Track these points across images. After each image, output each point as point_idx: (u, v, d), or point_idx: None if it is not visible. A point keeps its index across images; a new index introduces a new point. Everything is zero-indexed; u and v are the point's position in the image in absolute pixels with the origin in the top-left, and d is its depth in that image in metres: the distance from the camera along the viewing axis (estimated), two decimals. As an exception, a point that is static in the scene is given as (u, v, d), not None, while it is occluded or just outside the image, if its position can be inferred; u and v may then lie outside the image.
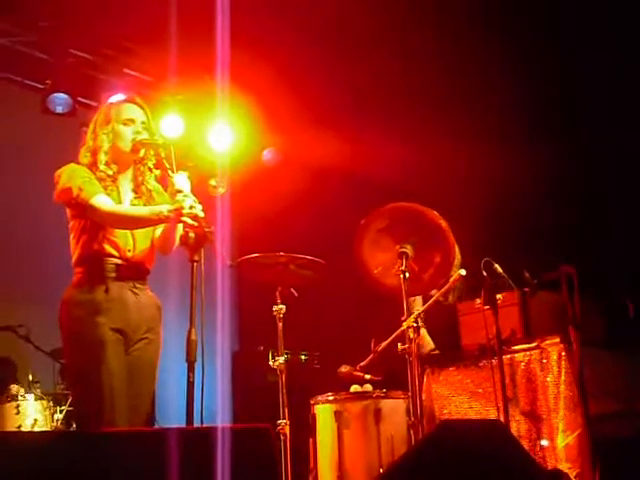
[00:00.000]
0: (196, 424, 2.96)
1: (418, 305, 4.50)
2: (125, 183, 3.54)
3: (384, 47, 5.75)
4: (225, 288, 3.23)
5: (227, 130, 6.58)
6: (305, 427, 4.60)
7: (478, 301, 4.38)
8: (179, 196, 3.25)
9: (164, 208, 3.30)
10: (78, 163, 3.48)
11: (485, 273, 4.12)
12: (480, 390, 4.33)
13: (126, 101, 3.63)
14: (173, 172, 3.36)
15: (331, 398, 4.54)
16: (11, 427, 4.87)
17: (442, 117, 5.86)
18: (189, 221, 3.20)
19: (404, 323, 4.04)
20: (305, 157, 6.56)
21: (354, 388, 4.76)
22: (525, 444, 4.00)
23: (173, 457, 2.15)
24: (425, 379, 4.42)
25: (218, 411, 3.04)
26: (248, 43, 5.30)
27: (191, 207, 3.21)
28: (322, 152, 6.28)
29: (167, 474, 2.14)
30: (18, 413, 4.94)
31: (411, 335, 4.01)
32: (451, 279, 4.19)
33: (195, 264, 3.16)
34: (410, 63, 5.78)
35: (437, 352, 4.72)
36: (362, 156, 6.04)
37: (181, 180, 3.34)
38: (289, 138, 6.79)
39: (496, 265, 4.13)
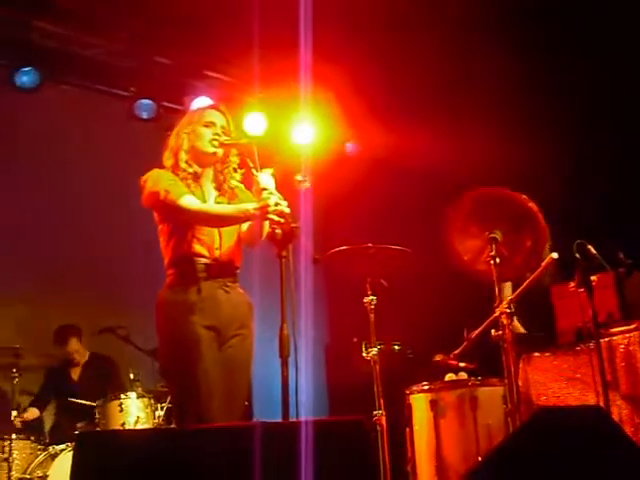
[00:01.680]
0: (292, 418, 2.99)
1: (509, 290, 4.42)
2: (207, 182, 3.60)
3: (459, 44, 5.71)
4: (309, 282, 3.26)
5: (310, 125, 6.61)
6: (401, 417, 4.60)
7: (572, 284, 4.28)
8: (264, 194, 3.28)
9: (250, 206, 3.35)
10: (163, 168, 3.57)
11: (578, 255, 4.02)
12: (578, 375, 4.23)
13: (210, 107, 3.73)
14: (257, 171, 3.40)
15: (426, 387, 4.53)
16: (115, 425, 5.02)
17: (516, 110, 5.79)
18: (275, 218, 3.23)
19: (497, 309, 3.99)
20: (386, 149, 6.54)
21: (449, 376, 4.73)
22: (627, 430, 3.88)
23: (265, 451, 2.18)
24: (520, 365, 4.34)
25: (309, 405, 3.06)
26: (328, 41, 5.31)
27: (276, 204, 3.24)
28: (403, 144, 6.26)
29: (265, 467, 2.18)
30: (122, 411, 5.08)
31: (504, 321, 3.96)
32: (543, 263, 4.10)
33: (283, 260, 3.19)
34: (481, 61, 5.75)
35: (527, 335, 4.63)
36: (442, 147, 5.99)
37: (266, 178, 3.37)
38: (371, 131, 6.77)
39: (589, 246, 4.02)
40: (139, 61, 6.08)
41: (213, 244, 3.47)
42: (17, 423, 5.30)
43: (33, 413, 5.66)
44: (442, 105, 6.25)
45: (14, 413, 5.07)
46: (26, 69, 5.77)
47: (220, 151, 3.53)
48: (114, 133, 6.51)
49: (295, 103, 6.35)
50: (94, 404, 5.21)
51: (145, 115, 6.26)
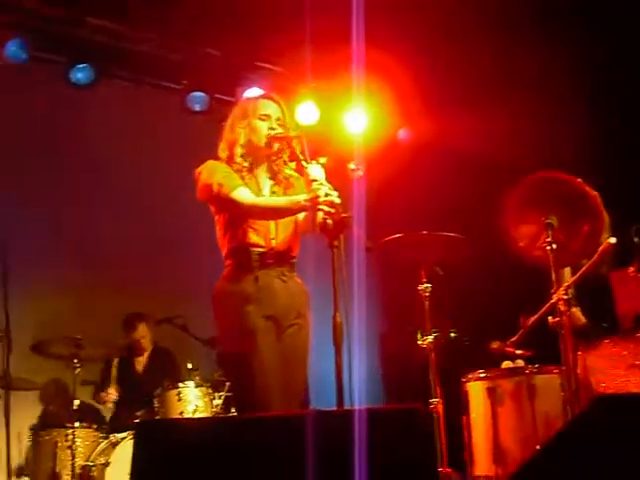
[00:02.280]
0: (347, 406, 3.00)
1: (567, 276, 4.36)
2: (262, 174, 3.62)
3: (508, 27, 5.63)
4: (363, 270, 3.25)
5: (362, 113, 6.59)
6: (457, 405, 4.58)
7: (632, 269, 4.19)
8: (314, 185, 3.29)
9: (301, 198, 3.36)
10: (217, 159, 3.60)
11: (637, 239, 3.94)
12: (638, 362, 4.15)
13: (263, 97, 3.73)
14: (307, 162, 3.41)
15: (483, 375, 4.49)
16: (174, 413, 5.09)
17: (572, 93, 5.69)
18: (326, 209, 3.23)
19: (554, 296, 3.94)
20: (439, 136, 6.49)
21: (506, 364, 4.69)
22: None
23: (320, 439, 2.19)
24: (579, 352, 4.28)
25: (364, 393, 3.06)
26: (380, 28, 5.28)
27: (327, 195, 3.24)
28: (455, 130, 6.20)
29: (321, 456, 2.19)
30: (180, 400, 5.15)
31: (562, 308, 3.90)
32: (600, 248, 4.03)
33: (335, 249, 3.20)
34: (538, 46, 5.66)
35: (589, 326, 4.56)
36: (495, 133, 5.92)
37: (315, 169, 3.38)
38: (423, 117, 6.73)
39: (649, 230, 3.94)
40: (190, 54, 6.14)
41: (269, 234, 3.50)
42: (102, 403, 5.42)
43: (113, 394, 5.74)
44: (494, 90, 6.17)
45: (76, 402, 5.17)
46: (81, 66, 5.87)
47: (276, 145, 3.55)
48: (167, 126, 6.58)
49: (347, 91, 6.33)
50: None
51: (197, 108, 6.31)
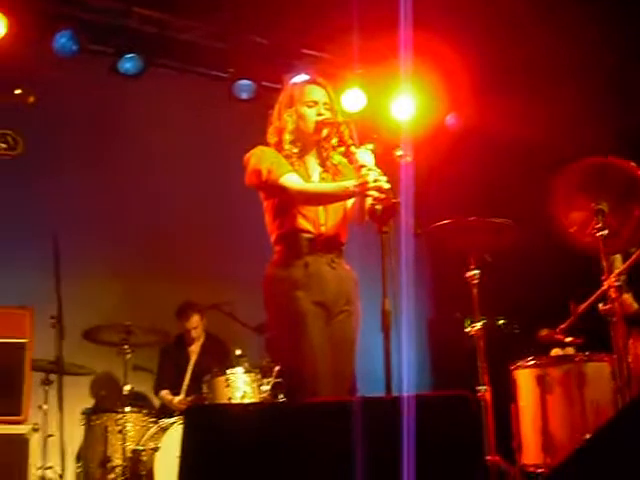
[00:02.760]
0: (395, 393, 3.00)
1: (618, 263, 4.28)
2: (311, 160, 3.61)
3: (563, 12, 5.54)
4: (411, 256, 3.24)
5: (409, 99, 6.55)
6: (506, 393, 4.54)
7: (686, 254, 4.11)
8: (363, 170, 3.27)
9: (350, 183, 3.34)
10: (265, 145, 3.61)
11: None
12: (691, 350, 4.08)
13: (309, 82, 3.69)
14: (356, 148, 3.40)
15: (532, 363, 4.45)
16: (222, 399, 5.13)
17: (620, 78, 5.58)
18: (375, 194, 3.22)
19: (605, 282, 3.88)
20: (487, 121, 6.41)
21: (555, 352, 4.63)
22: None
23: (368, 426, 2.19)
24: (630, 340, 4.21)
25: (412, 380, 3.05)
26: (428, 12, 5.23)
27: (375, 180, 3.23)
28: (504, 115, 6.12)
29: (369, 443, 2.19)
30: (228, 386, 5.20)
31: (613, 295, 3.84)
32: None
33: (384, 235, 3.19)
34: (585, 32, 5.55)
35: None
36: (544, 118, 5.83)
37: (364, 155, 3.36)
38: (471, 102, 6.65)
39: None
40: (237, 42, 6.15)
41: (318, 220, 3.49)
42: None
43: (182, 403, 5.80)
44: (543, 75, 6.08)
45: (127, 388, 5.26)
46: (129, 56, 5.92)
47: (324, 131, 3.54)
48: (214, 114, 6.63)
49: (394, 77, 6.29)
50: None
51: (244, 95, 6.33)
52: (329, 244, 3.50)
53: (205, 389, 5.31)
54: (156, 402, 6.18)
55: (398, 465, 2.17)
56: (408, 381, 3.08)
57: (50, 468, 5.14)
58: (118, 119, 6.49)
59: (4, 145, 2.82)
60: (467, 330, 4.55)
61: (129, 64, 5.95)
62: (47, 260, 5.01)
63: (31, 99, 6.03)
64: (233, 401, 5.08)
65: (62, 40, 5.64)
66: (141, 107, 6.46)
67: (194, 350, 6.19)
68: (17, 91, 5.99)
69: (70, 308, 5.17)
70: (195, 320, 6.12)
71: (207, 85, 6.55)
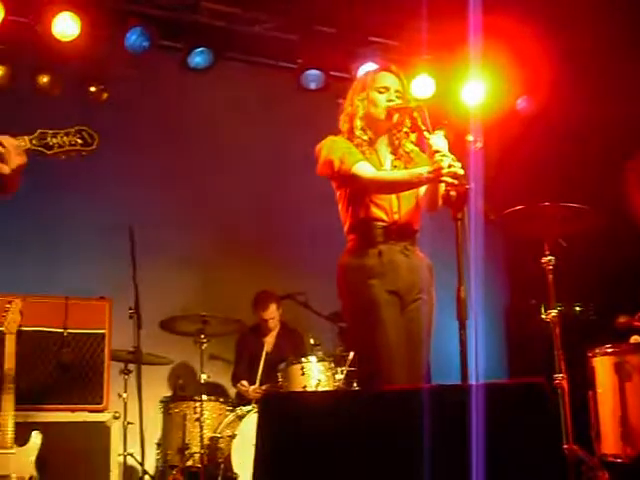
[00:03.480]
0: (471, 382, 2.97)
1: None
2: (383, 148, 3.60)
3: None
4: (486, 243, 3.20)
5: (479, 83, 6.46)
6: (583, 381, 4.46)
7: None
8: (437, 156, 3.24)
9: (423, 170, 3.32)
10: (335, 135, 3.61)
11: None
12: None
13: (381, 69, 3.69)
14: (429, 133, 3.37)
15: (610, 350, 4.36)
16: (297, 387, 5.18)
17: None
18: (449, 180, 3.18)
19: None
20: (560, 104, 6.27)
21: (634, 339, 4.53)
22: None
23: (442, 415, 2.19)
24: None
25: (488, 368, 3.03)
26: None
27: (450, 166, 3.19)
28: (577, 98, 5.98)
29: (443, 431, 2.18)
30: (303, 374, 5.24)
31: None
32: None
33: (459, 222, 3.16)
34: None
35: None
36: (618, 101, 5.66)
37: (438, 140, 3.33)
38: (544, 85, 6.51)
39: None
40: (305, 32, 6.16)
41: (391, 208, 3.48)
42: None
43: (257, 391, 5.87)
44: (617, 57, 5.91)
45: (203, 377, 5.35)
46: (198, 50, 6.00)
47: (395, 116, 3.52)
48: (284, 106, 6.67)
49: (464, 62, 6.21)
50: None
51: (313, 85, 6.34)
52: (402, 232, 3.49)
53: (280, 378, 5.37)
54: (232, 391, 6.27)
55: (468, 454, 2.15)
56: (483, 369, 3.05)
57: (130, 454, 5.28)
58: (189, 112, 6.60)
59: (80, 141, 2.89)
60: (543, 317, 4.47)
61: (199, 58, 6.02)
62: (124, 252, 5.12)
63: (104, 95, 6.20)
64: (308, 389, 5.12)
65: (133, 37, 5.74)
66: (211, 100, 6.55)
67: (269, 340, 6.26)
68: (91, 88, 6.17)
69: (147, 299, 5.27)
70: (272, 310, 6.17)
71: (276, 76, 6.58)
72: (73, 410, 4.46)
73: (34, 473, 3.94)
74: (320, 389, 5.12)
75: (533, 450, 2.22)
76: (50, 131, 2.87)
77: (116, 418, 4.50)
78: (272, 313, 6.17)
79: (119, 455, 4.84)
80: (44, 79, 5.95)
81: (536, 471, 2.20)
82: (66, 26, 5.46)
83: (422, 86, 6.33)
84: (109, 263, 5.80)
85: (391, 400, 2.41)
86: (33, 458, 3.99)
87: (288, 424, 2.34)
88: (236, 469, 5.03)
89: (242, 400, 5.71)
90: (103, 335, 4.62)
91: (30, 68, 5.94)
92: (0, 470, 3.87)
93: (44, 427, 4.13)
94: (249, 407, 5.30)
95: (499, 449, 2.18)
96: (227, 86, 6.53)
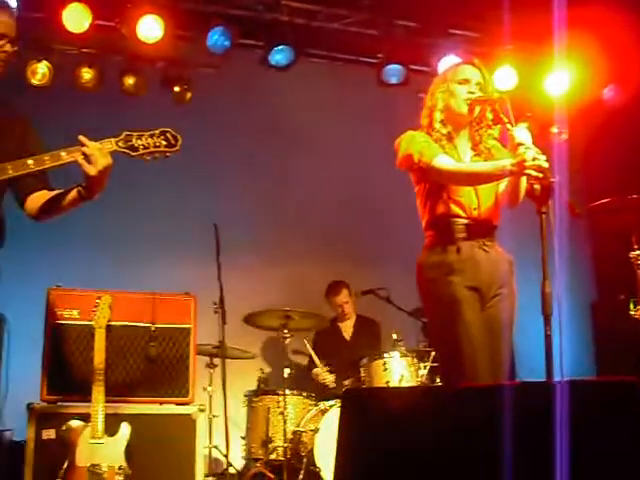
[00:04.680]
0: (556, 379, 2.91)
1: None
2: (462, 143, 3.56)
3: None
4: (571, 237, 3.13)
5: (564, 72, 6.32)
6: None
7: None
8: (521, 149, 3.17)
9: (507, 162, 3.26)
10: (416, 129, 3.59)
11: None
12: None
13: (463, 62, 3.65)
14: (512, 125, 3.30)
15: None
16: (380, 382, 5.19)
17: None
18: (533, 173, 3.11)
19: None
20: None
21: None
22: None
23: (526, 412, 2.14)
24: None
25: (574, 365, 2.96)
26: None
27: (534, 159, 3.13)
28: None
29: (525, 429, 2.14)
30: (386, 370, 5.25)
31: None
32: None
33: (543, 216, 3.09)
34: None
35: None
36: None
37: (521, 132, 3.26)
38: (632, 73, 6.31)
39: None
40: (385, 27, 6.14)
41: (471, 204, 3.44)
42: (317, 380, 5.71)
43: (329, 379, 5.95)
44: None
45: (287, 371, 5.40)
46: (279, 48, 6.04)
47: (477, 109, 3.48)
48: (365, 101, 6.66)
49: (548, 52, 6.07)
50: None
51: (394, 80, 6.31)
52: (482, 228, 3.44)
53: (362, 373, 5.39)
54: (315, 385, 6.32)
55: (552, 455, 2.10)
56: (569, 367, 2.99)
57: (215, 447, 5.38)
58: (270, 110, 6.67)
59: (164, 142, 2.95)
60: (632, 313, 4.34)
61: (279, 56, 6.07)
62: (209, 249, 5.22)
63: (188, 95, 6.32)
64: (391, 384, 5.12)
65: (214, 37, 5.83)
66: (292, 97, 6.60)
67: (346, 329, 6.30)
68: (175, 89, 6.30)
69: (231, 294, 5.35)
70: (345, 294, 6.25)
71: (356, 72, 6.59)
72: (160, 403, 4.56)
73: (123, 463, 4.05)
74: (403, 385, 5.10)
75: (621, 453, 2.15)
76: (135, 133, 2.94)
77: (201, 411, 4.59)
78: (345, 297, 6.25)
79: (204, 447, 4.93)
80: (130, 80, 6.11)
81: (623, 475, 2.13)
82: (150, 28, 5.61)
83: (504, 78, 6.23)
84: (194, 259, 5.91)
85: (474, 397, 2.38)
86: (122, 448, 4.10)
87: (370, 419, 2.34)
88: (319, 463, 5.06)
89: (325, 394, 5.74)
90: (189, 330, 4.71)
91: (116, 70, 6.11)
92: (91, 459, 4.00)
93: (132, 419, 4.24)
94: (332, 402, 5.32)
95: (584, 450, 2.12)
96: (308, 83, 6.56)
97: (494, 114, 3.43)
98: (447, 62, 5.78)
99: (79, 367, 4.43)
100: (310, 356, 6.07)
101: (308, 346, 5.96)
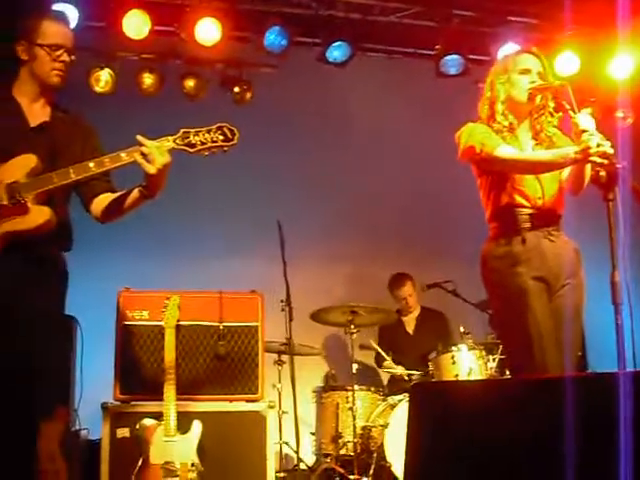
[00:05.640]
0: (629, 368, 2.85)
1: None
2: (523, 132, 3.52)
3: None
4: (632, 224, 3.05)
5: (628, 56, 6.16)
6: None
7: None
8: (584, 135, 3.12)
9: (570, 150, 3.21)
10: (476, 120, 3.56)
11: None
12: None
13: (522, 51, 3.61)
14: (575, 112, 3.25)
15: None
16: (448, 376, 5.16)
17: None
18: (598, 160, 3.06)
19: None
20: None
21: None
22: None
23: (600, 403, 2.11)
24: None
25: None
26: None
27: (598, 145, 3.08)
28: None
29: (593, 420, 2.11)
30: (454, 363, 5.22)
31: None
32: None
33: (610, 203, 3.03)
34: None
35: None
36: None
37: (584, 119, 3.21)
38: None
39: None
40: (442, 18, 6.08)
41: (535, 194, 3.40)
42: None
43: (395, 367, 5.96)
44: None
45: (354, 366, 5.41)
46: (336, 44, 6.04)
47: (538, 98, 3.43)
48: (424, 93, 6.62)
49: (611, 35, 5.93)
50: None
51: (453, 71, 6.25)
52: (547, 217, 3.40)
53: (431, 367, 5.37)
54: (383, 379, 6.31)
55: (616, 449, 2.06)
56: (640, 357, 2.92)
57: (286, 443, 5.42)
58: (330, 106, 6.68)
59: (222, 137, 2.98)
60: None
61: (337, 52, 6.07)
62: (274, 247, 5.26)
63: (248, 96, 6.38)
64: (460, 378, 5.09)
65: (272, 36, 5.87)
66: (351, 92, 6.60)
67: (410, 322, 6.29)
68: (235, 89, 6.36)
69: (297, 291, 5.39)
70: (408, 287, 6.25)
71: (415, 64, 6.55)
72: (230, 400, 4.62)
73: (196, 460, 4.12)
74: (472, 378, 5.06)
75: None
76: (192, 130, 2.99)
77: (271, 407, 4.63)
78: (408, 290, 6.25)
79: (275, 443, 4.97)
80: (190, 83, 6.20)
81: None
82: (208, 31, 5.67)
83: (566, 63, 6.10)
84: (261, 259, 5.97)
85: (543, 389, 2.36)
86: (195, 446, 4.17)
87: (439, 413, 2.33)
88: (389, 458, 5.07)
89: (393, 389, 5.74)
90: (256, 327, 4.75)
91: (176, 74, 6.20)
92: (165, 457, 4.08)
93: (203, 416, 4.30)
94: (400, 396, 5.32)
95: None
96: (366, 77, 6.55)
97: (556, 102, 3.39)
98: (506, 50, 5.70)
99: (150, 367, 4.52)
100: (377, 352, 6.08)
101: (374, 345, 5.96)
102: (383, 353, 5.90)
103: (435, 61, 6.25)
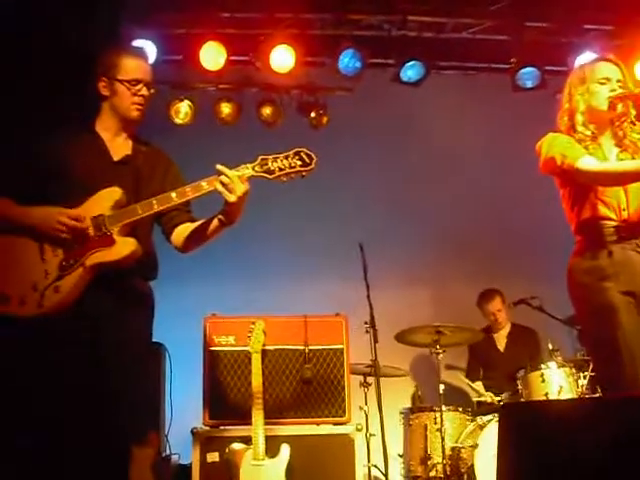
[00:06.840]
0: None
1: None
2: (606, 140, 3.44)
3: None
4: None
5: None
6: None
7: None
8: None
9: None
10: (556, 131, 3.50)
11: None
12: None
13: (600, 60, 3.54)
14: (656, 120, 3.17)
15: None
16: (538, 395, 5.04)
17: None
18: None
19: None
20: None
21: None
22: None
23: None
24: None
25: None
26: None
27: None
28: None
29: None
30: (543, 381, 5.10)
31: None
32: None
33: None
34: None
35: None
36: None
37: None
38: None
39: None
40: (515, 31, 6.02)
41: (620, 205, 3.32)
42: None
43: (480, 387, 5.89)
44: None
45: (442, 387, 5.34)
46: (410, 63, 6.04)
47: (619, 106, 3.35)
48: (501, 107, 6.55)
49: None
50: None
51: (530, 84, 6.16)
52: (633, 229, 3.30)
53: (519, 385, 5.26)
54: (470, 399, 6.22)
55: None
56: None
57: (375, 466, 5.39)
58: (407, 125, 6.69)
59: (299, 162, 3.02)
60: None
61: (411, 71, 6.06)
62: (356, 270, 5.26)
63: (325, 120, 6.43)
64: (550, 397, 4.97)
65: (345, 59, 5.91)
66: (427, 111, 6.59)
67: (500, 339, 6.19)
68: (312, 114, 6.43)
69: (381, 313, 5.37)
70: (497, 301, 6.17)
71: (489, 79, 6.49)
72: (318, 423, 4.63)
73: (285, 484, 4.15)
74: (562, 396, 4.94)
75: None
76: (270, 156, 3.04)
77: (359, 430, 4.62)
78: (498, 304, 6.18)
79: (363, 466, 4.95)
80: (267, 111, 6.30)
81: None
82: (282, 58, 5.76)
83: (648, 69, 5.94)
84: (344, 282, 5.98)
85: (635, 407, 2.28)
86: (283, 469, 4.20)
87: (529, 434, 2.30)
88: (479, 479, 4.97)
89: (482, 409, 5.64)
90: (342, 350, 4.77)
91: (253, 102, 6.32)
92: (255, 481, 4.12)
93: (291, 440, 4.33)
94: (489, 417, 5.22)
95: None
96: (442, 95, 6.52)
97: (637, 110, 3.30)
98: (583, 59, 5.59)
99: (237, 391, 4.58)
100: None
101: (463, 378, 5.92)
102: (472, 384, 5.83)
103: (511, 75, 6.18)
